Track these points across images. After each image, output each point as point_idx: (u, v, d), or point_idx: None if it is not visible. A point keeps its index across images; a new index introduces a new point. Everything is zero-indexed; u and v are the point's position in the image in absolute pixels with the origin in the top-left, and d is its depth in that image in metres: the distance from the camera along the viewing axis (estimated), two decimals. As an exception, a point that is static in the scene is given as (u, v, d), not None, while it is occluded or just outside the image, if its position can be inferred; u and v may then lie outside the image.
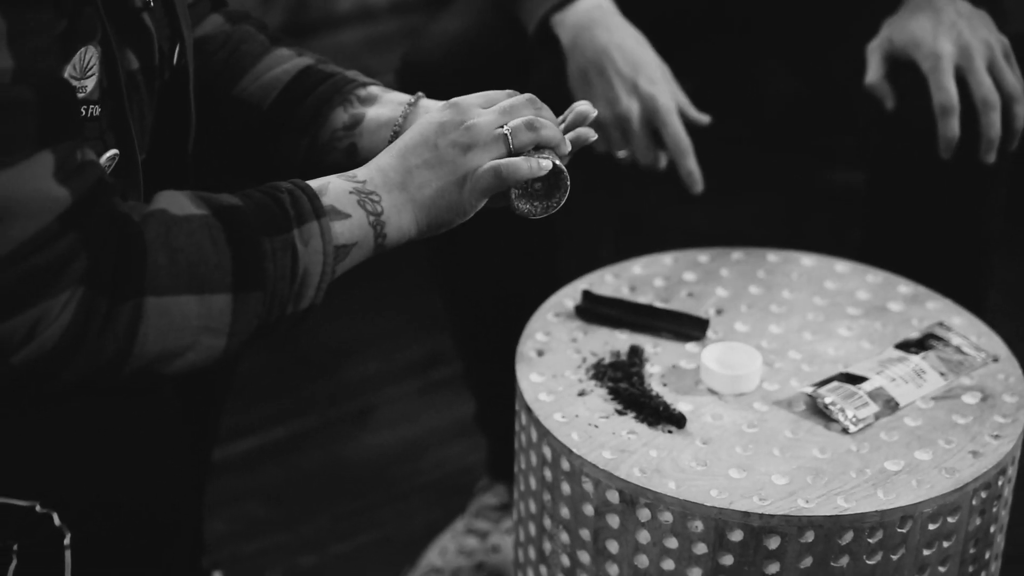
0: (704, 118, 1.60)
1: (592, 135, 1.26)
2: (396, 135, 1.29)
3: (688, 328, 1.42)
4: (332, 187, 1.17)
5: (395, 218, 1.19)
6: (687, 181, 1.58)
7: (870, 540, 1.22)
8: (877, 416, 1.31)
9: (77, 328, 1.04)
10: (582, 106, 1.27)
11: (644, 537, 1.24)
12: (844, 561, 1.22)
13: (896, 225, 1.67)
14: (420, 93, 1.32)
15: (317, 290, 1.15)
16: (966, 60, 1.52)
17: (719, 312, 1.46)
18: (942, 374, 1.36)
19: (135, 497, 1.15)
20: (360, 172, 1.20)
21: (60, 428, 1.11)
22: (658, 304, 1.46)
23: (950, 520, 1.24)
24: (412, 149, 1.20)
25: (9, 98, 0.99)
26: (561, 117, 1.28)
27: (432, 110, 1.26)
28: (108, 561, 1.16)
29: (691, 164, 1.57)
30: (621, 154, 1.60)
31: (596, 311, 1.44)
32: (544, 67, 1.63)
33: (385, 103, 1.32)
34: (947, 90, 1.51)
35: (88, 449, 1.12)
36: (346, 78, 1.32)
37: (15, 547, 1.12)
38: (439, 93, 1.62)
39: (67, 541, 1.12)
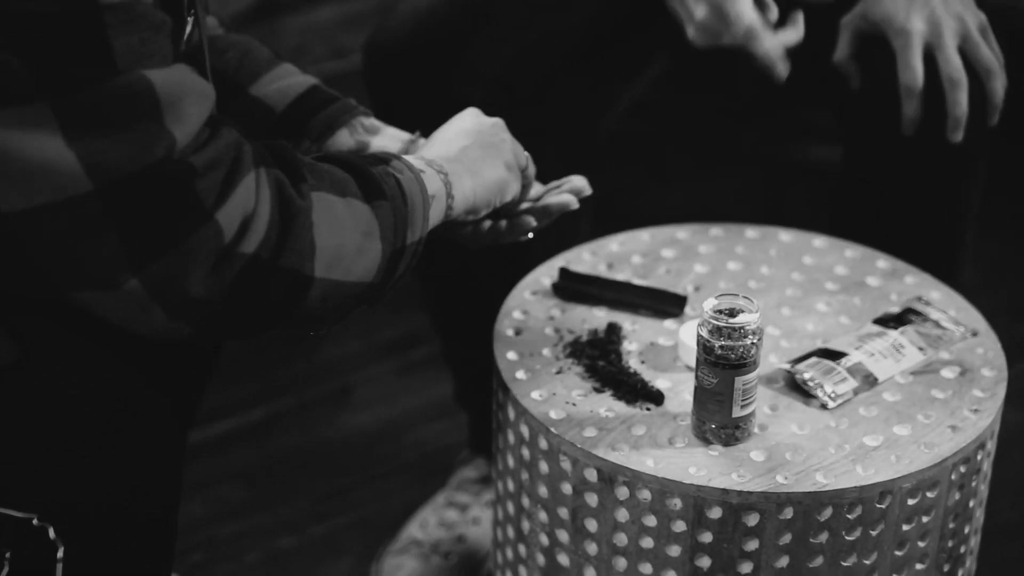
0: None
1: (574, 205, 1.35)
2: None
3: (666, 305, 1.41)
4: (408, 158, 1.24)
5: (458, 183, 1.25)
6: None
7: (849, 516, 1.21)
8: (856, 391, 1.30)
9: (279, 201, 1.07)
10: (579, 181, 1.37)
11: (623, 515, 1.24)
12: (823, 537, 1.22)
13: (871, 200, 1.67)
14: (418, 132, 1.38)
15: (424, 221, 1.20)
16: (935, 37, 1.52)
17: (697, 289, 1.45)
18: (921, 349, 1.35)
19: (128, 501, 1.15)
20: (415, 156, 1.26)
21: (58, 436, 1.11)
22: (636, 281, 1.46)
23: (929, 495, 1.24)
24: (458, 135, 1.29)
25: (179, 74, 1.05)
26: (556, 184, 1.38)
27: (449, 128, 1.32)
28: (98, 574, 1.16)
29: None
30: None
31: (573, 288, 1.43)
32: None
33: (387, 136, 1.38)
34: (913, 69, 1.51)
35: (85, 458, 1.12)
36: (350, 103, 1.38)
37: (8, 555, 1.11)
38: (401, 72, 1.61)
39: (60, 555, 1.12)
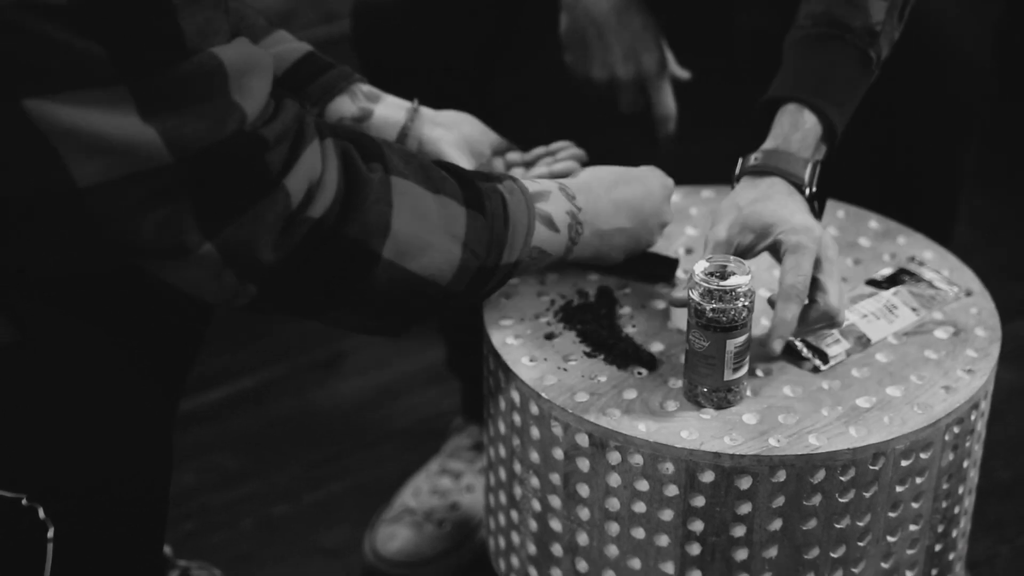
0: (685, 74, 1.65)
1: (578, 173, 1.35)
2: (404, 136, 1.38)
3: (658, 268, 1.40)
4: (554, 197, 1.26)
5: (579, 252, 1.29)
6: (663, 140, 1.64)
7: (842, 478, 1.21)
8: (848, 353, 1.30)
9: (346, 171, 1.11)
10: (574, 149, 1.42)
11: (615, 480, 1.23)
12: (816, 500, 1.21)
13: (866, 159, 1.65)
14: (416, 100, 1.39)
15: (523, 247, 1.22)
16: (828, 259, 1.27)
17: (689, 251, 1.44)
18: (914, 309, 1.34)
19: (119, 478, 1.15)
20: (580, 195, 1.28)
21: (48, 416, 1.10)
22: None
23: (923, 456, 1.23)
24: (629, 211, 1.31)
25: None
26: (549, 148, 1.42)
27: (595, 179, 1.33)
28: (89, 555, 1.16)
29: (671, 128, 1.64)
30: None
31: None
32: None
33: (387, 104, 1.40)
34: (805, 276, 1.25)
35: (75, 436, 1.12)
36: (347, 70, 1.39)
37: None
38: (389, 34, 1.60)
39: (50, 535, 1.12)
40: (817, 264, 1.26)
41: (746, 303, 1.20)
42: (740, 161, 1.34)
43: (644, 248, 1.36)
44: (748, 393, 1.25)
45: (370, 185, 1.13)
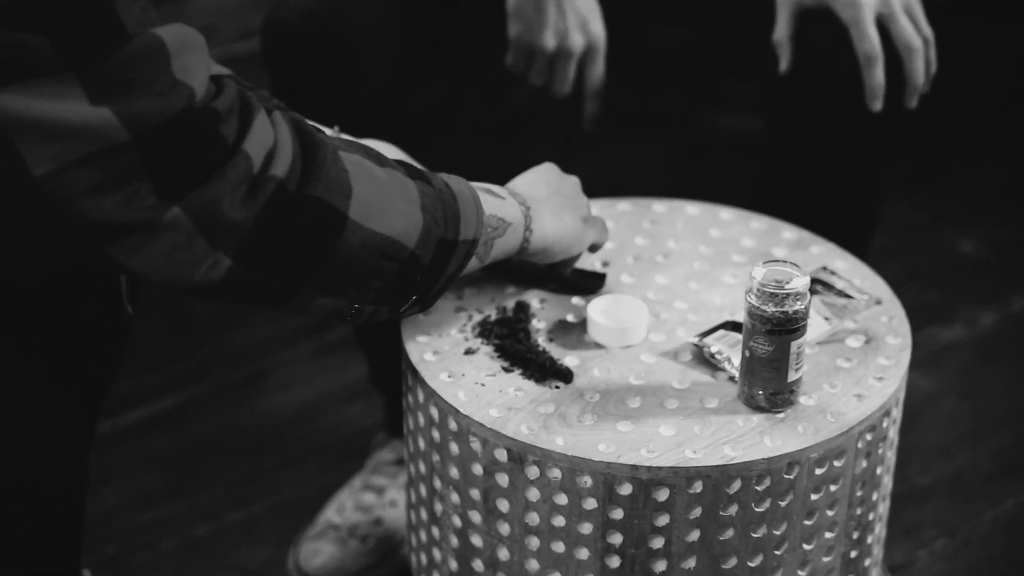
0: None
1: None
2: None
3: (590, 282, 1.41)
4: (478, 184, 1.28)
5: (538, 219, 1.30)
6: (589, 119, 1.68)
7: (758, 488, 1.22)
8: (763, 363, 1.31)
9: (299, 135, 1.13)
10: None
11: (534, 495, 1.24)
12: (733, 510, 1.22)
13: (794, 170, 1.67)
14: (337, 127, 1.40)
15: (478, 222, 1.23)
16: (886, 7, 1.51)
17: (605, 264, 1.45)
18: (826, 319, 1.36)
19: (30, 498, 1.13)
20: (495, 189, 1.30)
21: None
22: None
23: (836, 464, 1.25)
24: (540, 183, 1.34)
25: None
26: None
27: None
28: None
29: (597, 106, 1.68)
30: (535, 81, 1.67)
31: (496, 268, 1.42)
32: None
33: None
34: (871, 38, 1.50)
35: None
36: (265, 94, 1.38)
37: None
38: (300, 51, 1.59)
39: None
40: (881, 18, 1.47)
41: (806, 303, 1.22)
42: None
43: (587, 239, 1.37)
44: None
45: (326, 147, 1.14)
